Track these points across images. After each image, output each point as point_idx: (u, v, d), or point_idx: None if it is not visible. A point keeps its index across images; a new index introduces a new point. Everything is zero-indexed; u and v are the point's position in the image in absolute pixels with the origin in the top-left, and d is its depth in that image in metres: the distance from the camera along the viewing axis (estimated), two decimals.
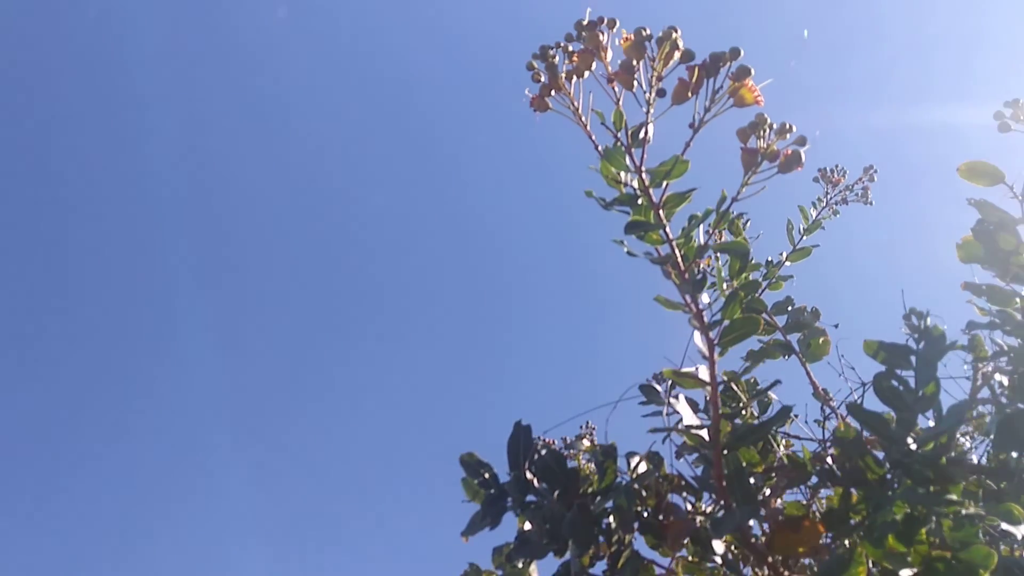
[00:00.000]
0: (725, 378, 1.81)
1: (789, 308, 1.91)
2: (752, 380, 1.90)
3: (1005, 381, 1.50)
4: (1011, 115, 1.35)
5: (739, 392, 1.85)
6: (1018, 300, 1.34)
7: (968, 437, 1.61)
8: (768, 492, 1.55)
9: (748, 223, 2.02)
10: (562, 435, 2.17)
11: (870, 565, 1.23)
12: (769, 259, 1.98)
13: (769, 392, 1.90)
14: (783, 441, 1.80)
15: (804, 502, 1.56)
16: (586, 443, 1.92)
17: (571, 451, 2.05)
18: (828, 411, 1.77)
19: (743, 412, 1.81)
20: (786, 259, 1.99)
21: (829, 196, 2.03)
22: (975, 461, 1.56)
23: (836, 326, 1.79)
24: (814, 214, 2.02)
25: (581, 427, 2.17)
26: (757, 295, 1.91)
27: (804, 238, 2.00)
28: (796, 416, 1.88)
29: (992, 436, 1.33)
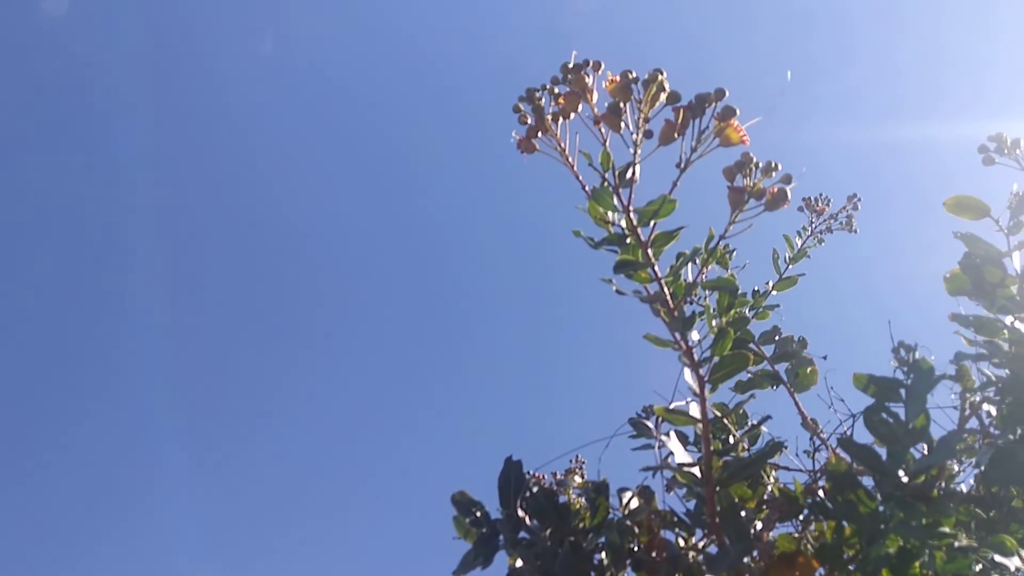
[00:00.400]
0: (715, 412, 1.81)
1: (776, 338, 1.91)
2: (741, 411, 1.90)
3: (993, 411, 1.51)
4: (995, 148, 1.37)
5: (729, 424, 1.85)
6: (1005, 331, 1.34)
7: (957, 463, 1.61)
8: (760, 526, 1.55)
9: (734, 253, 2.02)
10: (553, 470, 2.17)
11: None
12: (756, 288, 1.98)
13: (759, 424, 1.91)
14: (773, 473, 1.80)
15: (796, 534, 1.56)
16: (577, 479, 1.91)
17: (562, 487, 2.04)
18: (818, 442, 1.77)
19: (733, 445, 1.81)
20: (772, 288, 1.99)
21: (814, 225, 2.04)
22: (964, 490, 1.56)
23: (824, 358, 1.79)
24: (799, 243, 2.03)
25: (571, 461, 2.17)
26: (745, 326, 1.92)
27: (790, 267, 2.01)
28: (786, 447, 1.88)
29: (982, 468, 1.33)
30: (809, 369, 1.86)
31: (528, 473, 2.16)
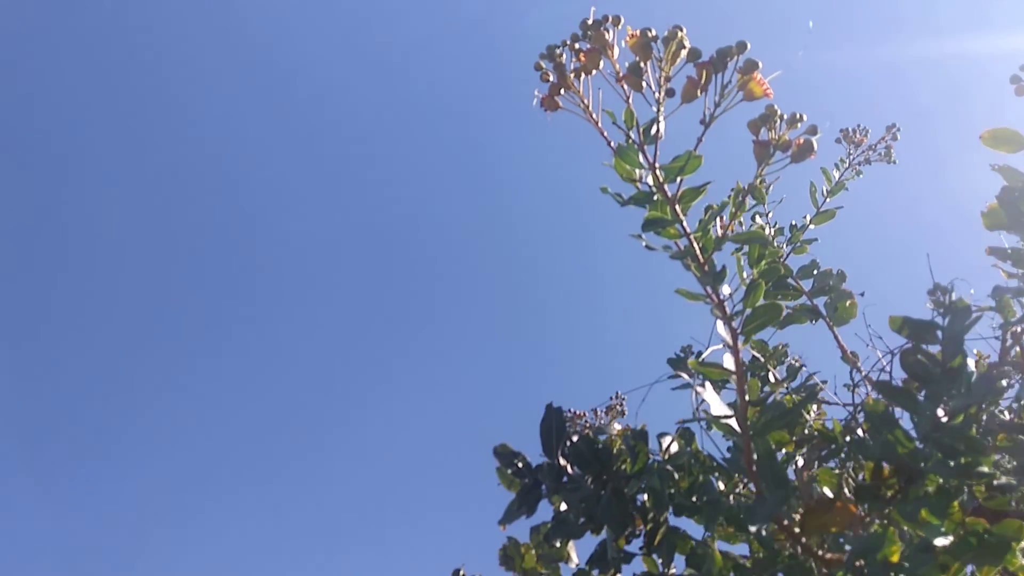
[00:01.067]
0: (753, 351, 1.81)
1: (814, 272, 1.90)
2: (779, 347, 1.91)
3: None
4: None
5: (768, 362, 1.86)
6: None
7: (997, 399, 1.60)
8: (801, 463, 1.57)
9: (771, 187, 2.00)
10: (593, 407, 2.20)
11: (906, 531, 1.24)
12: (793, 223, 1.97)
13: (797, 359, 1.91)
14: (814, 408, 1.81)
15: (836, 471, 1.57)
16: (616, 425, 1.94)
17: (601, 432, 2.07)
18: (858, 376, 1.77)
19: (771, 383, 1.82)
20: (810, 222, 1.97)
21: (852, 157, 2.01)
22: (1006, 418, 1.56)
23: (862, 294, 1.78)
24: (837, 176, 2.00)
25: (611, 398, 2.19)
26: (783, 260, 1.91)
27: (827, 200, 1.99)
28: (825, 382, 1.89)
29: (1022, 402, 1.33)
30: (848, 302, 1.85)
31: (569, 411, 2.19)
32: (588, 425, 2.18)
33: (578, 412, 2.18)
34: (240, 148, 10.04)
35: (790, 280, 1.88)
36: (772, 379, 1.82)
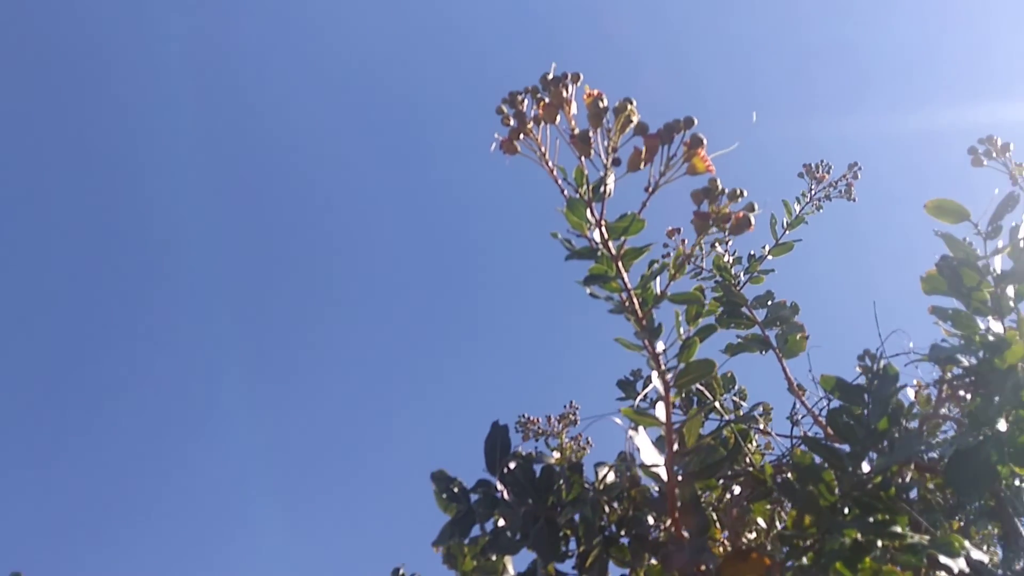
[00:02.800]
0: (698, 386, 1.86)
1: (769, 302, 1.94)
2: (729, 374, 1.95)
3: (968, 398, 1.55)
4: (984, 151, 1.37)
5: (715, 388, 1.90)
6: (978, 335, 1.37)
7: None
8: (729, 498, 1.62)
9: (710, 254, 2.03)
10: (547, 413, 2.24)
11: None
12: (751, 252, 2.00)
13: (742, 388, 1.96)
14: (756, 439, 1.86)
15: (768, 507, 1.62)
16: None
17: (541, 459, 2.12)
18: (802, 410, 1.81)
19: (716, 408, 1.86)
20: (768, 253, 2.01)
21: (813, 192, 2.05)
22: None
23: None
24: (797, 209, 2.04)
25: (565, 407, 2.24)
26: (738, 289, 1.95)
27: (787, 232, 2.02)
28: (765, 415, 1.93)
29: (945, 463, 1.38)
30: (799, 335, 1.89)
31: (522, 416, 2.24)
32: (540, 431, 2.23)
33: (532, 418, 2.23)
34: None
35: (744, 309, 1.92)
36: (718, 407, 1.87)
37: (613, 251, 1.13)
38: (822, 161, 2.05)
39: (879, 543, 1.26)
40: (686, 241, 1.40)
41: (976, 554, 1.25)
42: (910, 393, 1.76)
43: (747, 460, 1.68)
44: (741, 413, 1.89)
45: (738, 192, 1.05)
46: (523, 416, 2.22)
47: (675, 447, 1.22)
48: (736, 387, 1.93)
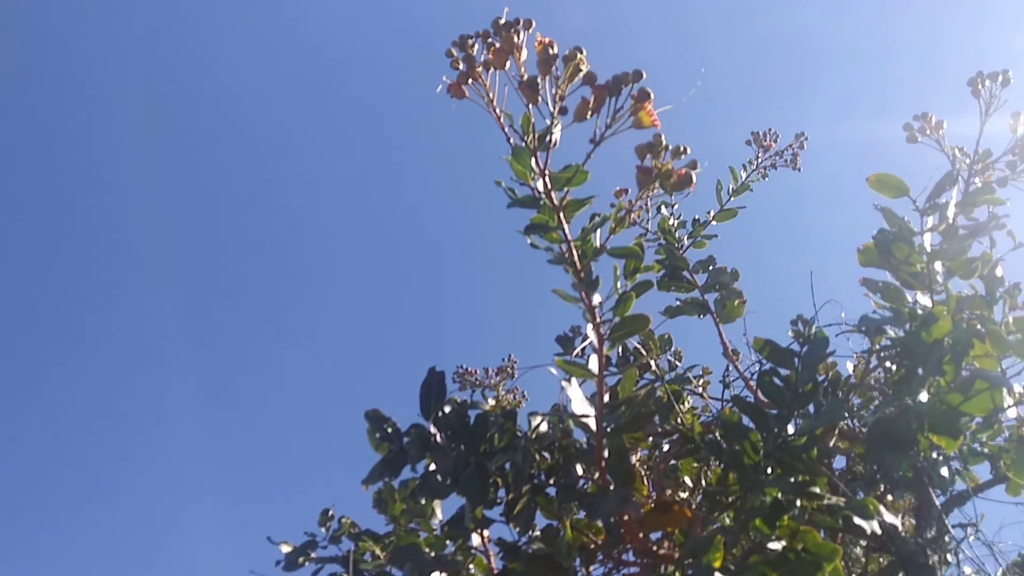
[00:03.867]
0: (639, 337, 1.88)
1: (710, 267, 1.96)
2: (666, 336, 1.98)
3: (893, 368, 1.59)
4: (919, 128, 1.39)
5: (652, 348, 1.92)
6: (907, 307, 1.40)
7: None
8: (663, 452, 1.65)
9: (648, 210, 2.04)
10: (485, 366, 2.26)
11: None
12: (696, 217, 2.02)
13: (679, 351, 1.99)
14: (688, 400, 1.89)
15: (695, 465, 1.66)
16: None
17: (484, 393, 2.14)
18: (734, 373, 1.84)
19: (651, 368, 1.89)
20: (712, 219, 2.03)
21: (759, 160, 2.07)
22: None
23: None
24: (743, 176, 2.05)
25: (503, 360, 2.25)
26: (681, 252, 1.97)
27: (732, 199, 2.04)
28: (701, 376, 1.97)
29: (866, 431, 1.42)
30: (737, 301, 1.92)
31: (460, 367, 2.25)
32: (477, 382, 2.24)
33: (469, 369, 2.24)
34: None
35: (685, 273, 1.95)
36: (653, 368, 1.90)
37: (556, 201, 1.13)
38: (770, 129, 2.07)
39: (798, 503, 1.30)
40: (629, 196, 1.41)
41: (889, 517, 1.29)
42: (849, 367, 1.81)
43: (679, 420, 1.71)
44: (676, 374, 1.92)
45: (681, 149, 1.06)
46: (461, 367, 2.24)
47: (606, 399, 1.24)
48: (672, 349, 1.96)
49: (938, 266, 1.38)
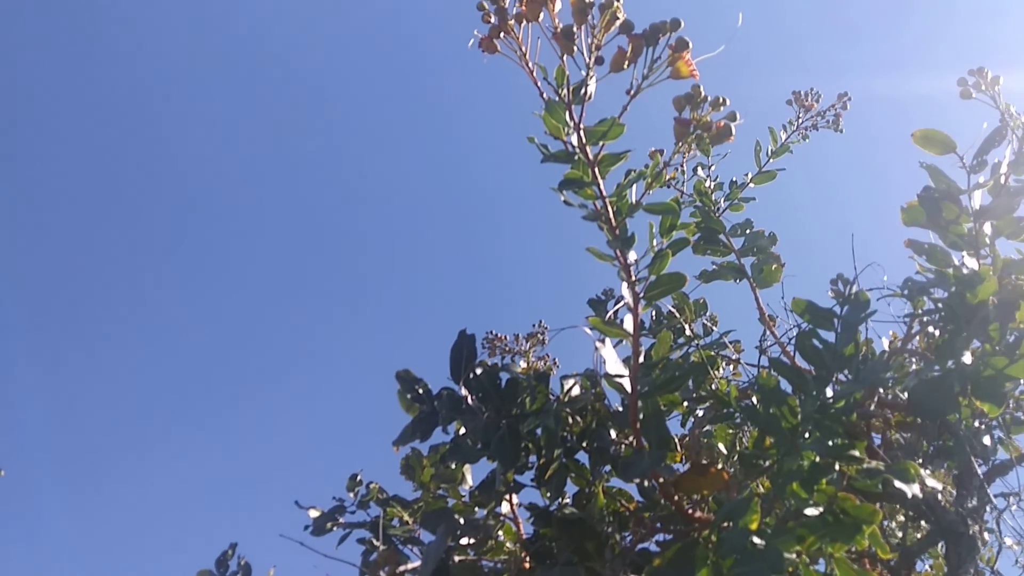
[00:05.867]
0: (673, 302, 1.85)
1: (747, 231, 1.92)
2: (701, 300, 1.95)
3: (936, 334, 1.55)
4: (974, 83, 1.34)
5: (687, 312, 1.89)
6: (952, 268, 1.36)
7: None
8: (698, 419, 1.62)
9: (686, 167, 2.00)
10: (515, 332, 2.24)
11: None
12: (733, 179, 1.98)
13: (714, 316, 1.95)
14: (725, 366, 1.86)
15: (731, 431, 1.63)
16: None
17: (514, 359, 2.12)
18: (771, 339, 1.81)
19: (686, 334, 1.86)
20: (750, 181, 1.99)
21: (800, 120, 2.02)
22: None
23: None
24: (783, 137, 2.00)
25: (534, 326, 2.23)
26: (718, 216, 1.93)
27: (771, 161, 2.00)
28: (738, 342, 1.94)
29: (907, 394, 1.38)
30: (775, 266, 1.88)
31: (490, 332, 2.23)
32: (507, 348, 2.22)
33: (499, 335, 2.22)
34: None
35: (721, 236, 1.91)
36: (688, 333, 1.87)
37: (590, 156, 1.11)
38: (811, 89, 2.02)
39: (836, 466, 1.27)
40: (664, 152, 1.37)
41: (931, 482, 1.26)
42: (884, 343, 1.76)
43: (713, 385, 1.69)
44: (711, 340, 1.89)
45: (721, 100, 1.03)
46: (491, 332, 2.22)
47: (640, 361, 1.22)
48: (707, 313, 1.93)
49: (987, 227, 1.34)
